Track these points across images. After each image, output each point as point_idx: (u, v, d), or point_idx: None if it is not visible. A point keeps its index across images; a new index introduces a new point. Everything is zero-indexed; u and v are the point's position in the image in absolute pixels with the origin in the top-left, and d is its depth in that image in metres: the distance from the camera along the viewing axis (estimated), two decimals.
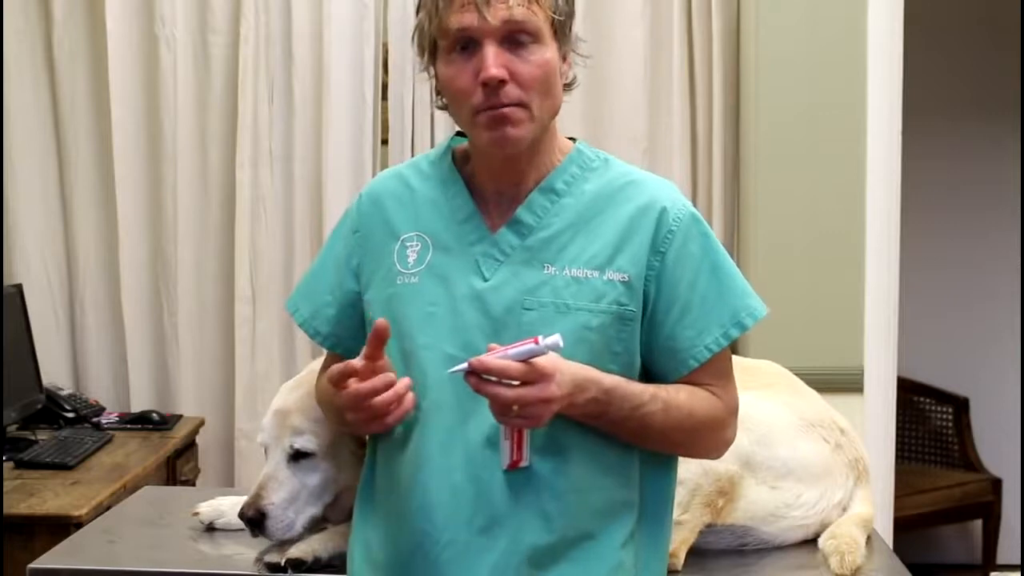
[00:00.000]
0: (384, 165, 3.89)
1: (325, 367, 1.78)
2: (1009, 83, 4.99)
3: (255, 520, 1.97)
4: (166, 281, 3.90)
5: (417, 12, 1.63)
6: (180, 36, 3.85)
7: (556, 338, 1.48)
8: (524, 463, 1.57)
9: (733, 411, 1.69)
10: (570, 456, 1.59)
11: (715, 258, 1.66)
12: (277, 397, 2.08)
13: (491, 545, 1.57)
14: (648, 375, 1.66)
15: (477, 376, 1.48)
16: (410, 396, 1.57)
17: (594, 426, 1.59)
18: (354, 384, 1.55)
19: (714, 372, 1.66)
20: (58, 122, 3.89)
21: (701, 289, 1.63)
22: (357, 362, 1.55)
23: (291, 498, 1.98)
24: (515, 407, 1.48)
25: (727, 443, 1.71)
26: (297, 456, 1.99)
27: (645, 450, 1.65)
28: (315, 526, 2.03)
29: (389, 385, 1.55)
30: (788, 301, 3.49)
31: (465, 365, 1.49)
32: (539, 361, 1.48)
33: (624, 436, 1.61)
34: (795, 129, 3.62)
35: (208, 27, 3.86)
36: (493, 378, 1.48)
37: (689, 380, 1.64)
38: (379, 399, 1.54)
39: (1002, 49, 5.01)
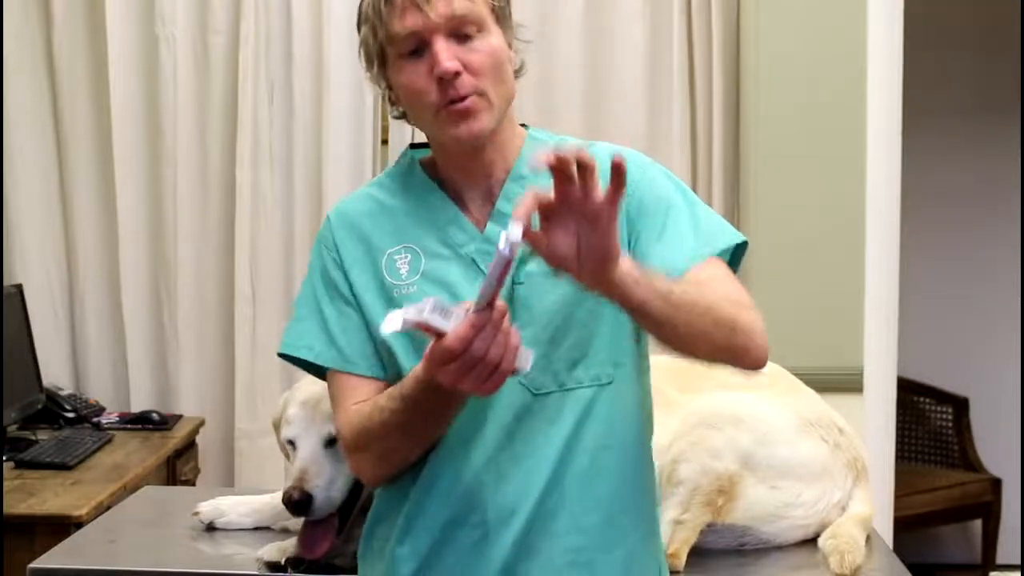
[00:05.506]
0: (384, 165, 3.88)
1: (348, 398, 1.68)
2: (1009, 83, 4.99)
3: (302, 501, 2.01)
4: (166, 281, 3.90)
5: (359, 29, 1.65)
6: (180, 36, 3.85)
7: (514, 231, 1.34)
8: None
9: (751, 304, 1.59)
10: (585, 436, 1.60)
11: (683, 190, 1.68)
12: (296, 393, 2.11)
13: (510, 530, 1.59)
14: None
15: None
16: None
17: (636, 304, 1.46)
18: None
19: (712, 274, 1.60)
20: (58, 122, 3.89)
21: (675, 216, 1.63)
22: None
23: (332, 480, 2.03)
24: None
25: (764, 334, 1.57)
26: (333, 441, 2.03)
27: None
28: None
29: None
30: (788, 301, 3.49)
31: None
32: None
33: (664, 318, 1.48)
34: (795, 129, 3.62)
35: (208, 27, 3.86)
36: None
37: None
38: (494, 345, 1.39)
39: (1002, 49, 5.01)
